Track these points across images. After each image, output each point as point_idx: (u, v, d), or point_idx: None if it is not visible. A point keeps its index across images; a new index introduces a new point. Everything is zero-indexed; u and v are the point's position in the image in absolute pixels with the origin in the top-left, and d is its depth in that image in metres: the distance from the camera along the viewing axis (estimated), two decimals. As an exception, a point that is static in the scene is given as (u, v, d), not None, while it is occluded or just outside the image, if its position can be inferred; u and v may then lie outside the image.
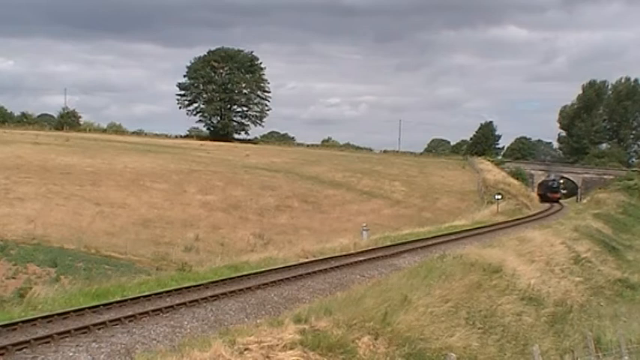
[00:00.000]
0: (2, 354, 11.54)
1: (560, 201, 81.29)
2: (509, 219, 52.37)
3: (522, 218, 55.08)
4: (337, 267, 22.84)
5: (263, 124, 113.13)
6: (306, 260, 24.30)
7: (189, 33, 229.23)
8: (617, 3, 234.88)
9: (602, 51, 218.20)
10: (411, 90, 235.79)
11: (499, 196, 59.26)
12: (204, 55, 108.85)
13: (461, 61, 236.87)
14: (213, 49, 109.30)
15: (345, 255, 25.98)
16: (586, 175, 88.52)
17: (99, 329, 13.30)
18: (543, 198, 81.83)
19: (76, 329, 13.00)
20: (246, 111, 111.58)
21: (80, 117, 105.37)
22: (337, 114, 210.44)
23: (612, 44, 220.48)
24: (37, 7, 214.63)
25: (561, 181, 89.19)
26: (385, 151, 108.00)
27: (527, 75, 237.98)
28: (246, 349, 11.06)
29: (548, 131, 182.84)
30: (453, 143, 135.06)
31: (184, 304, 15.72)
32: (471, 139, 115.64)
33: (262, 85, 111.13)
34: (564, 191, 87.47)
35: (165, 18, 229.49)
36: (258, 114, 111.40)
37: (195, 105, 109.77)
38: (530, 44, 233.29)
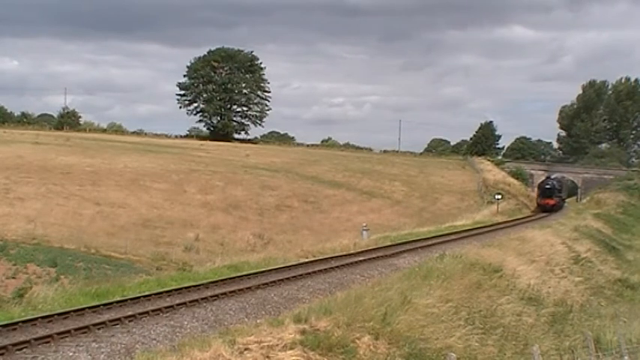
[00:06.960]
0: (2, 354, 11.54)
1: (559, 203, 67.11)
2: (509, 219, 52.45)
3: (522, 218, 55.16)
4: (337, 267, 22.86)
5: (263, 124, 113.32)
6: (306, 260, 24.32)
7: (195, 33, 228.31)
8: (623, 3, 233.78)
9: (608, 51, 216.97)
10: (415, 90, 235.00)
11: (499, 196, 59.31)
12: (204, 55, 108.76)
13: (466, 61, 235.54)
14: (213, 48, 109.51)
15: (345, 255, 26.00)
16: (586, 175, 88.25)
17: (99, 329, 13.30)
18: (538, 204, 68.30)
19: (76, 329, 13.01)
20: (246, 111, 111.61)
21: (80, 117, 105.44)
22: (340, 114, 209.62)
23: (619, 44, 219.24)
24: (42, 7, 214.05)
25: (561, 177, 76.90)
26: (385, 151, 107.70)
27: (531, 75, 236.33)
28: (246, 349, 11.06)
29: (549, 131, 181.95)
30: (453, 143, 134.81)
31: (184, 304, 15.73)
32: (471, 139, 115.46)
33: (262, 85, 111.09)
34: (561, 195, 70.81)
35: (170, 18, 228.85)
36: (258, 114, 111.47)
37: (195, 105, 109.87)
38: (536, 44, 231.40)
